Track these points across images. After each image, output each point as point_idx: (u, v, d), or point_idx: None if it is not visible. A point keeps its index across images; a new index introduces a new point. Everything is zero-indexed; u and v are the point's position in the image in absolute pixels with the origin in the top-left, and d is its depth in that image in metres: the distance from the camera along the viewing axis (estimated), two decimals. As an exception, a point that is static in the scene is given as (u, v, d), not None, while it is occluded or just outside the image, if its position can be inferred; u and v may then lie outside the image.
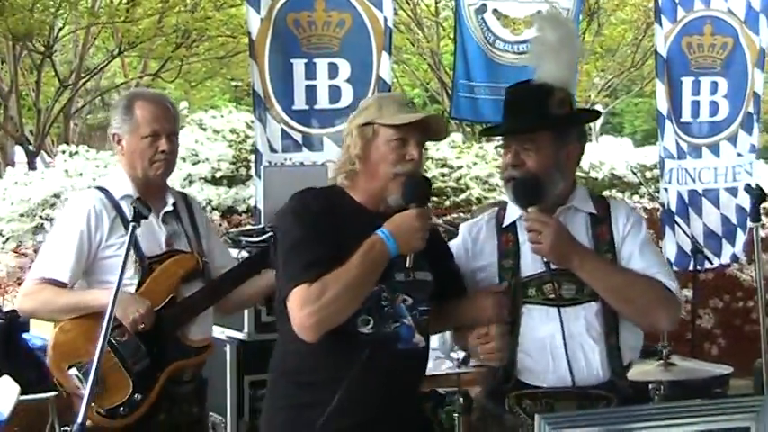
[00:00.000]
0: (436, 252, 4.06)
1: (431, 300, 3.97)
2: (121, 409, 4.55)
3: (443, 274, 4.04)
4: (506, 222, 4.26)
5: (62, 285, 4.60)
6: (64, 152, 12.74)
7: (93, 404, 4.42)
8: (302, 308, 3.70)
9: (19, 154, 15.04)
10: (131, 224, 4.15)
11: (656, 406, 4.91)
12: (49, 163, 14.37)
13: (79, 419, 3.69)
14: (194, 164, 11.41)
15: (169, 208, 4.79)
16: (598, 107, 19.00)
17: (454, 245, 4.33)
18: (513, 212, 4.24)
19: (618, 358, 4.15)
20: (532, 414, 3.92)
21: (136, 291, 4.60)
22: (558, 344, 4.05)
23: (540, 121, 4.20)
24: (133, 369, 4.56)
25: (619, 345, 4.15)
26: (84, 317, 4.56)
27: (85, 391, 3.91)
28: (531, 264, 4.13)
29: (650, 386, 5.97)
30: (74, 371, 4.51)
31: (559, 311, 4.06)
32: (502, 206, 4.38)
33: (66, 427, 4.16)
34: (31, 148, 14.95)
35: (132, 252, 4.51)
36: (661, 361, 5.98)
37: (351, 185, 3.96)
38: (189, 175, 11.06)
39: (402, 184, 3.83)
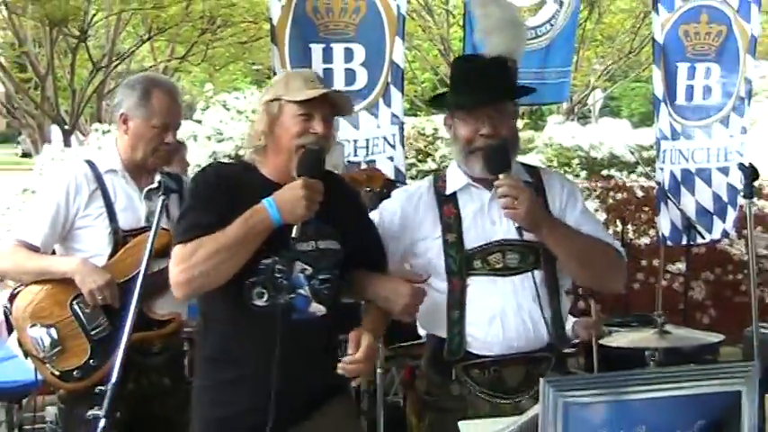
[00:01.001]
0: (353, 221, 4.02)
1: (339, 267, 3.92)
2: (75, 372, 4.52)
3: (356, 244, 3.97)
4: (449, 191, 4.20)
5: (35, 249, 4.59)
6: (96, 130, 12.88)
7: (49, 365, 4.51)
8: (176, 265, 3.70)
9: (55, 132, 15.09)
10: (160, 197, 4.19)
11: (652, 370, 4.91)
12: (83, 140, 14.40)
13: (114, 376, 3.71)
14: (219, 141, 11.49)
15: (154, 185, 4.65)
16: (597, 91, 19.08)
17: (387, 212, 4.28)
18: (456, 182, 4.21)
19: (560, 321, 4.18)
20: (480, 382, 4.09)
21: (107, 261, 4.58)
22: (506, 312, 4.05)
23: (507, 90, 4.21)
24: (93, 336, 4.53)
25: (560, 309, 4.16)
26: (52, 281, 4.57)
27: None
28: (474, 236, 4.11)
29: (646, 353, 5.99)
30: (35, 331, 4.49)
31: (506, 281, 4.07)
32: (440, 177, 4.33)
33: (100, 385, 4.11)
34: (66, 126, 15.01)
35: (108, 223, 4.60)
36: (656, 329, 5.98)
37: (261, 161, 3.93)
38: (214, 152, 11.13)
39: (297, 157, 3.78)
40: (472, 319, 4.09)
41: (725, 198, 9.42)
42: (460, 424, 3.61)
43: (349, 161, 7.09)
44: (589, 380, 3.24)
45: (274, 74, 7.41)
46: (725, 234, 9.75)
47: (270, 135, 3.87)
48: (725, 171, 9.38)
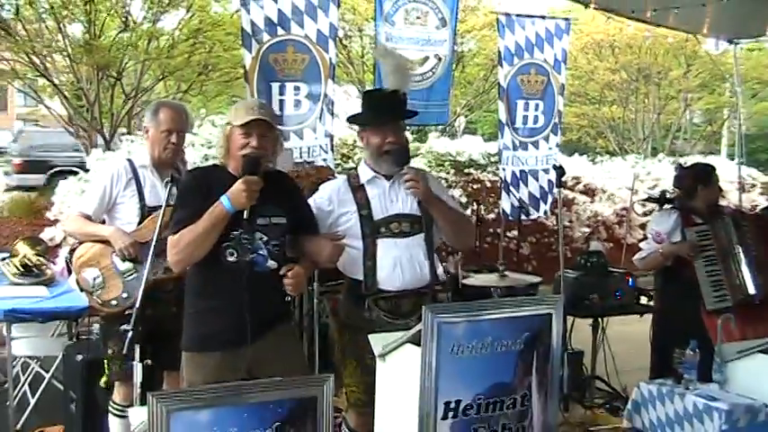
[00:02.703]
0: (292, 203, 4.05)
1: (286, 235, 3.97)
2: (113, 301, 4.60)
3: (296, 217, 4.02)
4: (362, 182, 4.28)
5: (88, 218, 4.67)
6: (127, 140, 13.08)
7: (95, 296, 4.61)
8: (169, 251, 3.79)
9: (99, 141, 15.13)
10: (168, 187, 4.38)
11: (496, 300, 4.98)
12: (119, 147, 14.43)
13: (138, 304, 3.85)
14: (209, 148, 11.56)
15: (169, 178, 4.64)
16: (461, 117, 19.19)
17: (320, 198, 4.32)
18: (365, 175, 4.30)
19: (434, 268, 4.25)
20: (384, 309, 4.17)
21: (136, 227, 4.63)
22: (403, 262, 4.15)
23: (403, 113, 4.35)
24: (125, 278, 4.60)
25: (435, 260, 4.26)
26: (98, 241, 4.65)
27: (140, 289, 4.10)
28: (379, 210, 4.20)
29: (492, 289, 6.06)
30: (88, 272, 4.56)
31: (402, 241, 4.18)
32: (351, 175, 4.41)
33: (128, 310, 4.19)
34: (106, 137, 15.07)
35: (137, 201, 4.67)
36: (498, 274, 6.05)
37: (226, 163, 3.96)
38: (205, 155, 11.25)
39: (240, 162, 3.83)
40: (382, 266, 4.15)
41: (546, 188, 9.59)
42: (370, 337, 3.63)
43: (296, 162, 7.15)
44: (455, 307, 3.29)
45: (246, 103, 7.47)
46: (545, 212, 9.91)
47: (227, 148, 3.93)
48: (546, 171, 9.56)
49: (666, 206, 6.38)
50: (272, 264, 3.88)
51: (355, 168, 4.52)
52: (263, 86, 7.41)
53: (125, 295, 4.58)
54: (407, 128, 4.81)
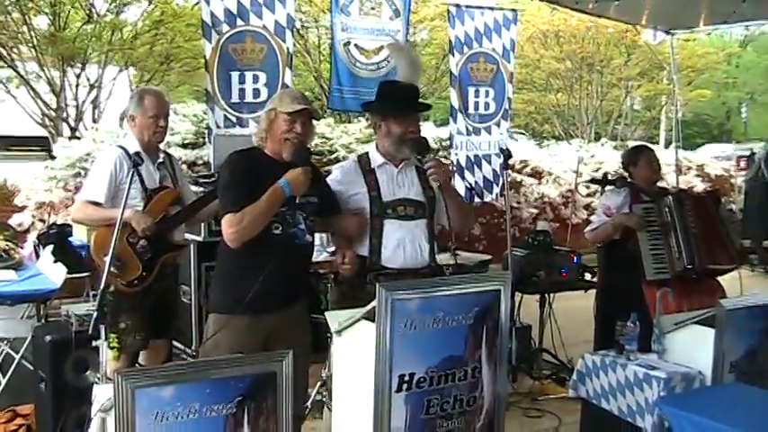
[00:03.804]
0: (321, 187, 4.18)
1: (317, 214, 4.11)
2: (135, 281, 4.64)
3: (325, 199, 4.16)
4: (372, 166, 4.34)
5: (99, 205, 4.65)
6: (92, 128, 12.92)
7: (118, 279, 4.60)
8: (229, 228, 3.84)
9: (65, 130, 14.95)
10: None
11: (448, 277, 4.97)
12: (84, 135, 14.24)
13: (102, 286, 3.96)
14: (171, 135, 11.49)
15: (161, 160, 4.86)
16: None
17: (333, 178, 4.41)
18: (376, 161, 4.35)
19: (434, 251, 4.35)
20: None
21: (144, 209, 4.66)
22: (406, 243, 4.22)
23: (422, 105, 4.48)
24: (143, 258, 4.66)
25: (434, 244, 4.36)
26: (111, 226, 4.54)
27: (104, 272, 4.13)
28: (388, 194, 4.27)
29: (444, 267, 6.06)
30: (107, 258, 4.49)
31: (407, 223, 4.24)
32: (363, 157, 4.45)
33: (93, 291, 4.18)
34: (72, 126, 14.90)
35: (140, 185, 4.68)
36: (450, 253, 6.04)
37: (264, 146, 4.06)
38: (168, 142, 11.15)
39: (291, 149, 3.97)
40: (386, 244, 4.23)
41: (498, 172, 9.59)
42: (326, 314, 3.65)
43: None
44: (407, 284, 3.29)
45: (207, 91, 7.44)
46: (497, 195, 9.91)
47: (269, 131, 4.03)
48: (498, 155, 9.52)
49: (609, 187, 6.44)
50: (309, 237, 4.08)
51: (363, 154, 4.56)
52: (223, 76, 7.37)
53: (145, 274, 4.68)
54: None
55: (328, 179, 4.42)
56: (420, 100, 4.47)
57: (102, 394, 2.95)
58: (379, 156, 4.36)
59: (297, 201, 3.95)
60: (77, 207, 4.86)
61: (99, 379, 4.65)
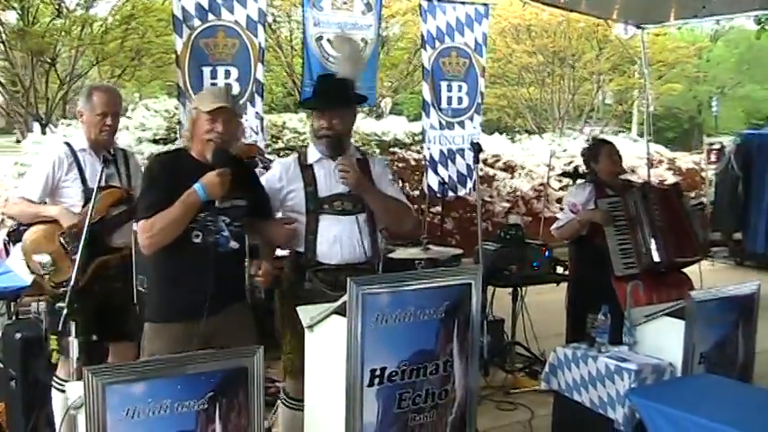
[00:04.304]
0: (251, 188, 4.11)
1: (245, 217, 4.02)
2: (64, 283, 4.41)
3: (254, 201, 4.08)
4: (308, 162, 4.31)
5: (32, 202, 4.57)
6: (62, 124, 12.84)
7: (46, 279, 4.51)
8: (142, 233, 3.79)
9: (35, 126, 14.84)
10: (102, 168, 4.25)
11: (419, 271, 5.00)
12: (54, 131, 14.13)
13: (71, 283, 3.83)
14: (143, 131, 11.46)
15: (109, 157, 4.62)
16: (387, 99, 19.15)
17: (272, 175, 4.38)
18: (312, 156, 4.31)
19: (376, 244, 4.32)
20: (323, 280, 4.19)
21: (81, 209, 4.52)
22: (343, 238, 4.18)
23: (347, 100, 4.31)
24: (74, 259, 4.41)
25: (376, 237, 4.33)
26: (45, 223, 4.56)
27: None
28: (324, 189, 4.23)
29: (416, 261, 6.07)
30: (38, 257, 4.46)
31: (345, 218, 4.21)
32: (302, 152, 4.42)
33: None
34: (42, 122, 14.79)
35: (80, 184, 4.58)
36: (422, 247, 6.07)
37: (189, 146, 4.00)
38: (139, 138, 11.15)
39: (211, 152, 3.89)
40: (322, 240, 4.20)
41: (471, 166, 9.60)
42: (298, 309, 3.65)
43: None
44: (378, 278, 3.30)
45: (179, 86, 7.38)
46: (470, 189, 9.93)
47: (192, 131, 3.96)
48: (470, 149, 9.56)
49: (580, 180, 6.49)
50: (233, 244, 3.94)
51: (301, 149, 4.55)
52: (194, 71, 7.32)
53: (78, 276, 4.48)
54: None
55: (266, 176, 4.40)
56: (353, 93, 4.40)
57: (73, 391, 2.94)
58: (316, 151, 4.34)
59: (219, 205, 3.86)
60: (11, 203, 4.80)
61: (56, 378, 4.66)
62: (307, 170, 4.29)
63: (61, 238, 4.52)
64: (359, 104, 4.52)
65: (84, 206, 4.54)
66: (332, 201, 4.22)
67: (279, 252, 4.67)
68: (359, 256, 4.21)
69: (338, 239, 4.19)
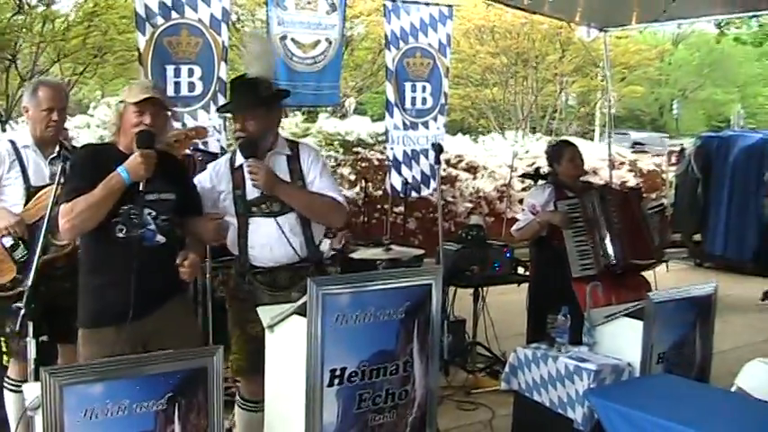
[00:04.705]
0: (180, 183, 4.05)
1: (175, 212, 3.94)
2: (7, 284, 4.45)
3: (183, 196, 4.00)
4: (236, 164, 4.29)
5: None
6: (23, 122, 12.68)
7: None
8: (62, 218, 3.70)
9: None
10: (59, 164, 4.13)
11: (379, 272, 5.01)
12: (15, 128, 13.97)
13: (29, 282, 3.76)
14: (104, 129, 11.38)
15: (54, 155, 4.59)
16: (352, 99, 19.13)
17: (203, 176, 4.38)
18: (239, 159, 4.27)
19: (312, 242, 4.27)
20: (262, 282, 4.21)
21: (23, 208, 4.47)
22: (273, 240, 4.17)
23: (254, 102, 4.24)
24: (17, 260, 4.46)
25: (312, 235, 4.27)
26: None
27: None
28: (253, 191, 4.19)
29: (377, 262, 6.08)
30: None
31: (273, 220, 4.18)
32: (234, 154, 4.39)
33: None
34: (3, 119, 14.60)
35: (23, 182, 4.50)
36: (384, 247, 6.08)
37: (117, 141, 3.94)
38: (101, 136, 11.06)
39: (135, 137, 3.79)
40: (252, 243, 4.20)
41: (435, 166, 9.62)
42: (258, 309, 3.65)
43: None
44: (338, 279, 3.30)
45: (143, 85, 7.34)
46: (433, 190, 9.95)
47: (120, 125, 3.90)
48: (432, 150, 9.60)
49: (541, 181, 6.54)
50: (160, 238, 3.85)
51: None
52: (157, 69, 7.28)
53: (20, 277, 4.43)
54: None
55: (198, 177, 4.38)
56: (266, 92, 4.33)
57: (30, 392, 2.91)
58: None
59: (144, 198, 3.78)
60: None
61: (7, 379, 4.61)
62: (236, 172, 4.28)
63: (2, 239, 4.44)
64: (275, 101, 4.44)
65: (26, 204, 4.48)
66: (260, 203, 4.20)
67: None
68: (291, 256, 4.19)
69: (268, 242, 4.18)
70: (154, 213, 3.83)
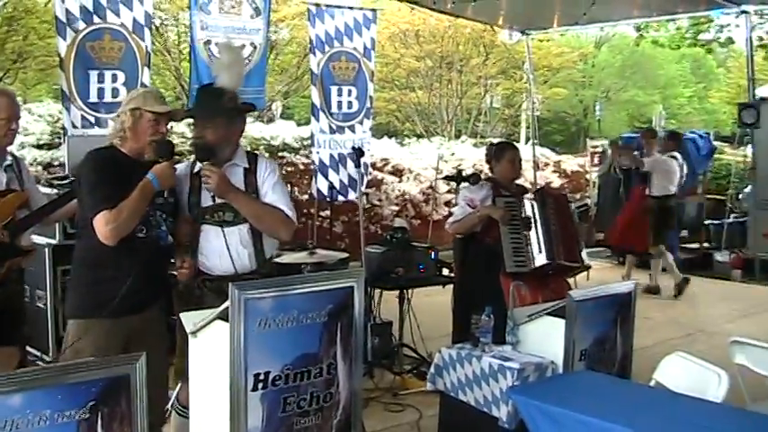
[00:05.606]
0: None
1: (171, 215, 4.13)
2: None
3: (175, 199, 4.20)
4: (195, 170, 4.28)
5: None
6: None
7: None
8: (106, 225, 3.77)
9: None
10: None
11: (301, 275, 5.00)
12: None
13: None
14: (26, 135, 11.23)
15: (8, 162, 4.63)
16: (278, 103, 19.09)
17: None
18: (197, 165, 4.26)
19: (262, 255, 4.27)
20: (210, 288, 4.20)
21: None
22: (224, 250, 4.15)
23: (215, 111, 4.24)
24: None
25: (262, 247, 4.27)
26: None
27: None
28: (207, 199, 4.18)
29: (302, 266, 6.08)
30: None
31: (223, 229, 4.17)
32: (194, 160, 4.37)
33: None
34: None
35: None
36: (308, 251, 6.09)
37: (122, 144, 4.02)
38: (22, 143, 10.91)
39: (154, 146, 3.99)
40: (204, 252, 4.21)
41: (362, 170, 9.67)
42: (181, 315, 3.64)
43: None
44: (261, 283, 3.32)
45: (62, 91, 7.31)
46: (359, 193, 9.98)
47: (133, 130, 4.00)
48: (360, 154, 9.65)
49: (464, 183, 6.60)
50: (170, 239, 4.08)
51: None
52: (80, 74, 7.25)
53: None
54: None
55: None
56: (230, 103, 4.33)
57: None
58: None
59: (156, 201, 3.95)
60: None
61: None
62: (195, 179, 4.27)
63: None
64: (237, 114, 4.43)
65: None
66: (214, 211, 4.18)
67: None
68: (241, 267, 4.19)
69: (219, 251, 4.17)
70: (164, 215, 4.04)
